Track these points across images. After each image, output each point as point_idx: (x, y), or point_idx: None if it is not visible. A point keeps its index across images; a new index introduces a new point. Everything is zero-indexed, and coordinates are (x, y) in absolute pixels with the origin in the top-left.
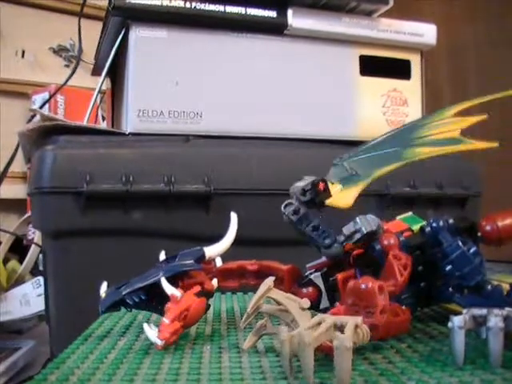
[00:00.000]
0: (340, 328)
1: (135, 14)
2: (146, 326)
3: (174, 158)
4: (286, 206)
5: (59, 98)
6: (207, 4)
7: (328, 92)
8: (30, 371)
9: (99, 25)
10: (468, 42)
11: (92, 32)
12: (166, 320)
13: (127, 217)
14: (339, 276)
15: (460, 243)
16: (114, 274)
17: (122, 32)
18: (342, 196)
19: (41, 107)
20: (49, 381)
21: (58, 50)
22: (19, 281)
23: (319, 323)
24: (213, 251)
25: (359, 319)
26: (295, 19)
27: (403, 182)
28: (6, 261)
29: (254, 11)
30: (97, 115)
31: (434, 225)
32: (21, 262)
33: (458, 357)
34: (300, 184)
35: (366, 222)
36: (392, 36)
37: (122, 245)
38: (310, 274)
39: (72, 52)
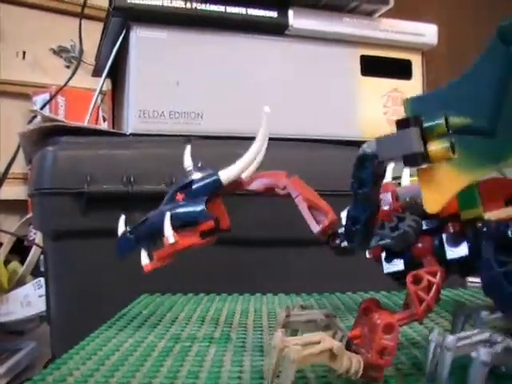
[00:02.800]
0: (333, 356)
1: (136, 15)
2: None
3: (175, 158)
4: None
5: (60, 98)
6: (208, 4)
7: (329, 92)
8: (31, 372)
9: (100, 26)
10: (470, 42)
11: (92, 33)
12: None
13: (128, 218)
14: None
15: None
16: (115, 275)
17: (123, 33)
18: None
19: (41, 108)
20: (46, 381)
21: (59, 51)
22: (20, 282)
23: (318, 342)
24: (231, 174)
25: (336, 345)
26: (296, 19)
27: None
28: (7, 262)
29: (254, 11)
30: (97, 116)
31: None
32: (22, 263)
33: None
34: None
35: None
36: (393, 36)
37: None
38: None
39: (73, 53)
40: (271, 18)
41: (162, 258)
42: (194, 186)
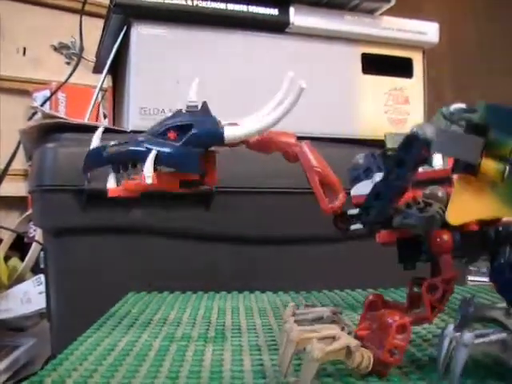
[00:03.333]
0: (349, 353)
1: (137, 12)
2: (111, 175)
3: None
4: None
5: (60, 95)
6: (209, 2)
7: (330, 90)
8: (31, 369)
9: (100, 22)
10: (471, 40)
11: (93, 29)
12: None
13: (128, 215)
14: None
15: None
16: (115, 272)
17: (124, 30)
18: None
19: (42, 105)
20: (45, 383)
21: (60, 48)
22: (20, 279)
23: (333, 337)
24: (237, 134)
25: (354, 343)
26: (297, 17)
27: None
28: (7, 258)
29: (255, 9)
30: (98, 113)
31: None
32: (22, 259)
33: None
34: None
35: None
36: (394, 34)
37: (122, 243)
38: None
39: (73, 49)
40: (272, 15)
41: (130, 190)
42: (192, 131)
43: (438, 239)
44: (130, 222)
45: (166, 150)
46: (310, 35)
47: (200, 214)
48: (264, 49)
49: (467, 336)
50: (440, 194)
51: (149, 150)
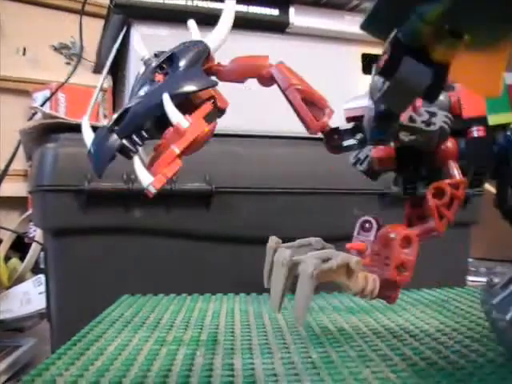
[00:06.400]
0: (349, 272)
1: (137, 12)
2: (137, 162)
3: None
4: None
5: (60, 95)
6: (209, 2)
7: (330, 91)
8: (31, 369)
9: (100, 22)
10: None
11: (93, 30)
12: (161, 160)
13: (128, 215)
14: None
15: None
16: (115, 272)
17: (124, 30)
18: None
19: (42, 105)
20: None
21: (60, 48)
22: (20, 279)
23: (328, 259)
24: (216, 40)
25: (354, 259)
26: (297, 17)
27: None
28: (7, 259)
29: (255, 9)
30: (97, 113)
31: None
32: (22, 259)
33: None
34: None
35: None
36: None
37: (122, 243)
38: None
39: (73, 50)
40: (272, 15)
41: (175, 163)
42: (179, 59)
43: (443, 146)
44: (129, 223)
45: (172, 84)
46: (310, 35)
47: (200, 214)
48: (264, 49)
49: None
50: (442, 97)
51: (159, 98)
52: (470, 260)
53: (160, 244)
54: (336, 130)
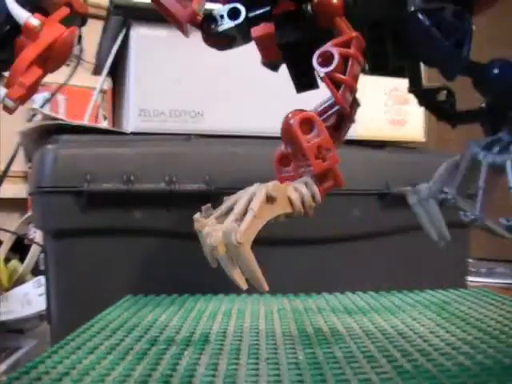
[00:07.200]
0: (271, 199)
1: (136, 13)
2: None
3: (175, 157)
4: None
5: (60, 97)
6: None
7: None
8: None
9: (100, 24)
10: (481, 34)
11: (92, 31)
12: (14, 67)
13: (128, 216)
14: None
15: None
16: (115, 274)
17: (123, 31)
18: None
19: (41, 106)
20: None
21: None
22: (20, 280)
23: (231, 209)
24: None
25: (269, 187)
26: None
27: (404, 182)
28: (7, 260)
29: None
30: (97, 114)
31: None
32: (22, 261)
33: None
34: None
35: None
36: None
37: (123, 244)
38: None
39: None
40: None
41: (28, 67)
42: None
43: (325, 1)
44: (130, 224)
45: None
46: None
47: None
48: None
49: None
50: None
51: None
52: (470, 260)
53: (160, 245)
54: (211, 17)
